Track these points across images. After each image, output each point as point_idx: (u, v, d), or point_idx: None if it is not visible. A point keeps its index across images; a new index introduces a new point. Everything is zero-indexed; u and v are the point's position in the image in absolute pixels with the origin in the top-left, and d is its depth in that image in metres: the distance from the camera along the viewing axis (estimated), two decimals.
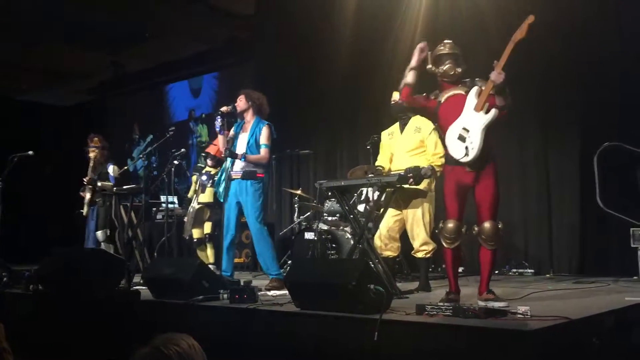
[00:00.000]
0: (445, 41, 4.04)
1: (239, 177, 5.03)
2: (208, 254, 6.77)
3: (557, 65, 6.17)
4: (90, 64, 10.05)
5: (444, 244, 3.89)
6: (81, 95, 11.76)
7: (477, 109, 3.71)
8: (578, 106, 6.12)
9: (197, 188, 6.89)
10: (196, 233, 6.73)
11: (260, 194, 5.02)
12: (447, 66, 3.91)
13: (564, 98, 6.20)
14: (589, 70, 5.99)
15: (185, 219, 6.73)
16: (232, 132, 5.11)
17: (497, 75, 3.59)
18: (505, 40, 6.19)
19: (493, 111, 3.67)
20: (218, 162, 6.66)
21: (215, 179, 6.58)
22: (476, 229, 3.78)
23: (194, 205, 6.65)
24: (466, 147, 3.73)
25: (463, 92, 3.84)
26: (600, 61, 5.89)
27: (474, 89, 3.78)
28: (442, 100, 3.94)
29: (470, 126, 3.73)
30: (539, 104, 6.20)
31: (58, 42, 8.91)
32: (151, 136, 10.79)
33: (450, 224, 3.82)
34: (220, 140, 5.11)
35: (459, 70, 3.91)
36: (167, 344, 1.52)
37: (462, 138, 3.76)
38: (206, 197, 6.70)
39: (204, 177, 6.68)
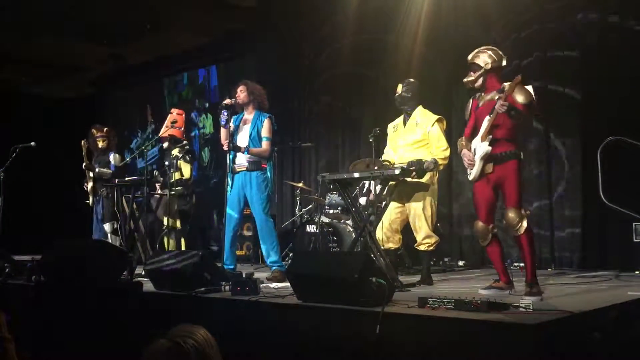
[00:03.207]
0: (476, 50, 4.14)
1: (244, 169, 5.04)
2: (171, 245, 6.50)
3: (559, 57, 6.16)
4: (90, 57, 10.02)
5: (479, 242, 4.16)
6: (82, 88, 11.74)
7: (482, 138, 3.92)
8: (581, 99, 6.11)
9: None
10: (166, 220, 6.40)
11: (265, 186, 5.03)
12: (466, 77, 4.12)
13: (566, 91, 6.19)
14: (593, 62, 5.97)
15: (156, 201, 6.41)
16: (231, 124, 5.10)
17: (500, 105, 3.76)
18: (509, 36, 6.20)
19: (490, 148, 3.89)
20: (171, 143, 6.44)
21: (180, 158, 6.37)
22: (504, 221, 3.90)
23: (164, 198, 6.29)
24: (470, 168, 4.04)
25: (495, 99, 3.95)
26: (604, 53, 5.87)
27: (487, 117, 3.91)
28: (480, 104, 4.11)
29: (476, 151, 3.97)
30: (540, 97, 6.19)
31: (58, 35, 8.88)
32: (153, 126, 10.75)
33: (476, 225, 4.07)
34: (223, 133, 5.10)
35: (477, 74, 4.04)
36: (185, 337, 1.51)
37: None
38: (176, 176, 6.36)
39: (167, 162, 6.33)
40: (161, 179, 6.34)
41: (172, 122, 6.43)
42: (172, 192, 6.19)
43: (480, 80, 4.06)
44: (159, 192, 6.36)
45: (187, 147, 6.48)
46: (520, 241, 3.85)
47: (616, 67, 5.76)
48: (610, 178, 4.59)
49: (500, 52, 4.11)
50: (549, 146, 6.32)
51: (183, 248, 6.39)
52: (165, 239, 6.51)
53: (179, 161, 6.34)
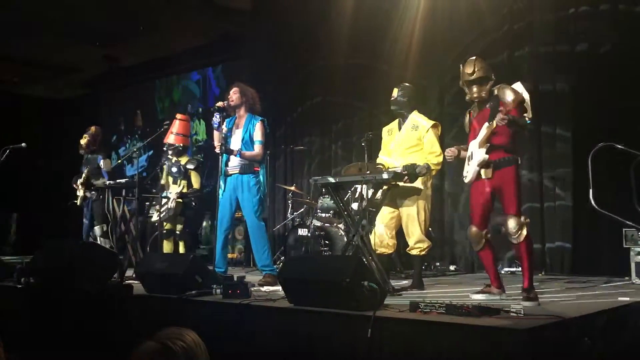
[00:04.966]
0: (469, 60, 4.11)
1: (237, 172, 5.03)
2: (168, 248, 6.56)
3: (551, 63, 6.18)
4: (83, 58, 9.98)
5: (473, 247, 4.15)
6: (75, 89, 11.70)
7: (480, 145, 3.92)
8: (572, 106, 6.13)
9: (167, 178, 6.61)
10: (167, 225, 6.51)
11: (257, 189, 5.02)
12: (476, 96, 4.07)
13: (557, 97, 6.22)
14: (583, 68, 6.00)
15: (157, 207, 6.41)
16: (224, 127, 5.09)
17: (500, 119, 3.76)
18: (502, 38, 6.21)
19: (487, 156, 3.91)
20: (179, 152, 6.50)
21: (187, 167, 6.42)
22: (503, 228, 3.91)
23: (171, 205, 6.34)
24: (467, 171, 4.03)
25: (488, 106, 3.96)
26: (595, 59, 5.90)
27: (485, 125, 3.91)
28: (475, 114, 4.12)
29: (473, 156, 3.98)
30: (531, 102, 6.23)
31: (51, 36, 8.84)
32: (140, 132, 10.68)
33: (470, 230, 4.07)
34: (216, 136, 5.09)
35: (487, 88, 4.03)
36: (173, 338, 1.50)
37: (467, 161, 4.05)
38: (178, 188, 6.47)
39: (174, 169, 6.42)
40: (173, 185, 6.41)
41: (184, 129, 6.51)
42: (179, 200, 6.32)
43: (488, 93, 4.04)
44: (170, 196, 6.37)
45: (201, 159, 6.48)
46: (519, 248, 3.85)
47: (610, 70, 5.79)
48: (601, 184, 4.61)
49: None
50: (540, 151, 6.34)
51: (182, 251, 6.45)
52: (165, 242, 6.54)
53: (189, 171, 6.40)
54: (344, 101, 7.83)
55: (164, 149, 6.60)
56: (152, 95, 10.87)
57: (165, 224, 6.48)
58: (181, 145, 6.52)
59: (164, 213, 6.33)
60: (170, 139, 6.48)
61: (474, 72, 4.02)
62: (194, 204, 6.48)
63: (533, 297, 3.68)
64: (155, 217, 6.42)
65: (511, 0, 6.23)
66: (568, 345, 2.91)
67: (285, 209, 7.73)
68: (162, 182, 6.67)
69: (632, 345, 3.30)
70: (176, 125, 6.53)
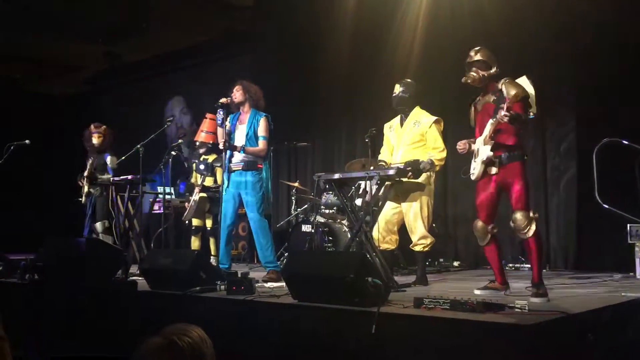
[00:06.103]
0: (474, 48, 4.11)
1: (240, 168, 5.04)
2: (196, 245, 6.68)
3: (554, 59, 6.17)
4: (86, 55, 9.97)
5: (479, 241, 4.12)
6: (77, 86, 11.70)
7: (485, 142, 3.92)
8: (576, 101, 6.12)
9: (196, 177, 6.77)
10: (195, 221, 6.66)
11: (260, 186, 5.02)
12: (471, 76, 4.04)
13: (562, 92, 6.21)
14: (587, 64, 5.98)
15: (186, 204, 6.57)
16: (228, 124, 5.10)
17: (501, 116, 3.74)
18: (507, 36, 6.19)
19: (492, 153, 3.90)
20: (209, 150, 6.60)
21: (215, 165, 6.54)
22: (512, 223, 3.87)
23: (196, 198, 6.46)
24: (474, 168, 4.01)
25: (491, 101, 3.95)
26: (599, 54, 5.88)
27: (490, 121, 3.90)
28: (479, 108, 4.11)
29: (479, 152, 3.97)
30: (536, 98, 6.22)
31: (53, 33, 8.84)
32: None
33: (476, 224, 4.04)
34: (219, 132, 5.08)
35: (484, 74, 4.01)
36: (180, 334, 1.51)
37: (474, 157, 4.04)
38: (207, 184, 6.60)
39: (202, 167, 6.54)
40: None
41: (210, 128, 6.52)
42: (203, 195, 6.46)
43: (485, 82, 4.04)
44: (195, 195, 6.46)
45: None
46: (528, 244, 3.83)
47: (614, 65, 5.76)
48: (605, 179, 4.60)
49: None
50: (544, 146, 6.33)
51: (212, 247, 6.52)
52: (193, 238, 6.65)
53: (216, 168, 6.51)
54: (347, 97, 7.83)
55: (181, 145, 6.72)
56: (157, 91, 10.84)
57: (194, 220, 6.59)
58: (211, 143, 6.56)
59: (190, 210, 6.43)
60: (201, 137, 6.59)
61: (474, 55, 4.06)
62: (217, 195, 6.58)
63: (542, 292, 3.66)
64: (188, 217, 6.53)
65: None
66: (572, 341, 2.91)
67: (289, 205, 7.73)
68: (192, 180, 6.79)
69: (636, 340, 3.29)
70: (206, 124, 6.63)
